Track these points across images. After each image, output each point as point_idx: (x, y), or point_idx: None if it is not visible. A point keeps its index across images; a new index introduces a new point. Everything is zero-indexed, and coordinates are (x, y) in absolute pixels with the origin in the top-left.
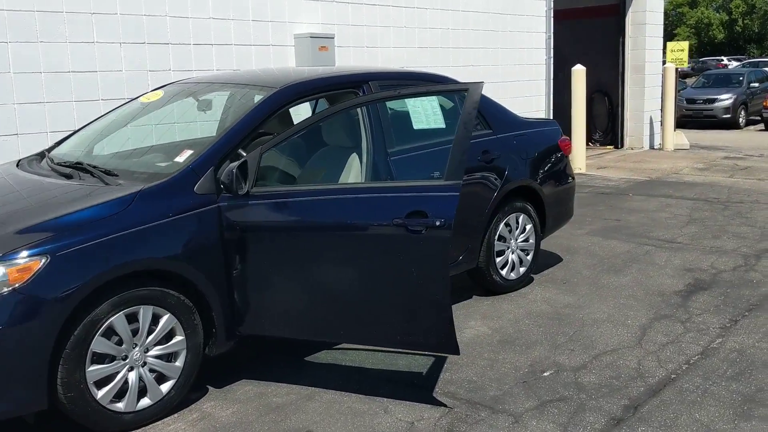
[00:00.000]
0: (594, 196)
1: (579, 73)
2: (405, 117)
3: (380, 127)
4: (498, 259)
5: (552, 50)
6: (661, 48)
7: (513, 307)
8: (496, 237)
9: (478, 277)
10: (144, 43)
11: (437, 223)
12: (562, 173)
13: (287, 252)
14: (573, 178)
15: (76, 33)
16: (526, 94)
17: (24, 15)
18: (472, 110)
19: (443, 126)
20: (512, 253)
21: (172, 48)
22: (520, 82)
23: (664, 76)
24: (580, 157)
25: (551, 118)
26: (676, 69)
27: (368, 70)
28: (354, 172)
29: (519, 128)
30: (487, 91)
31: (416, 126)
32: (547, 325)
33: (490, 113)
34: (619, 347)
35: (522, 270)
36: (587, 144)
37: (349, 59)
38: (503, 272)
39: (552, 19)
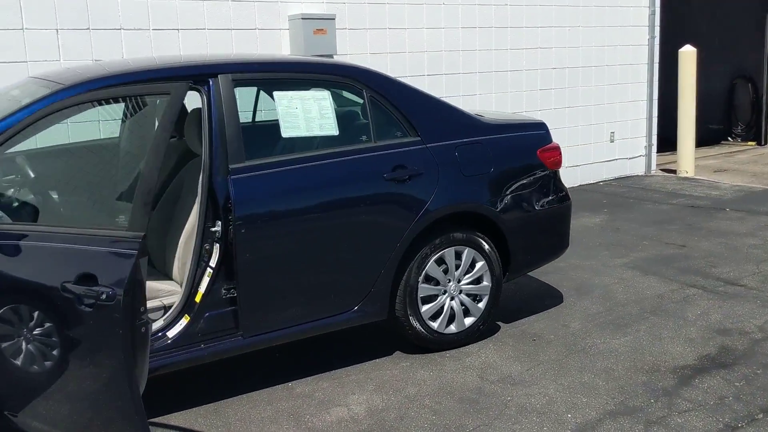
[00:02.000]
0: (677, 210)
1: (688, 55)
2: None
3: (221, 135)
4: (426, 307)
5: (657, 28)
6: None
7: (431, 375)
8: (421, 278)
9: (398, 328)
10: (88, 29)
11: (103, 296)
12: (541, 193)
13: None
14: (565, 198)
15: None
16: (617, 81)
17: None
18: (170, 118)
19: (334, 132)
20: (451, 299)
21: (125, 34)
22: (610, 67)
23: None
24: (687, 157)
25: (654, 110)
26: None
27: (219, 60)
28: None
29: (470, 133)
30: (556, 79)
31: (286, 133)
32: (452, 410)
33: (417, 113)
34: None
35: (469, 321)
36: (726, 140)
37: (363, 44)
38: (434, 324)
39: None
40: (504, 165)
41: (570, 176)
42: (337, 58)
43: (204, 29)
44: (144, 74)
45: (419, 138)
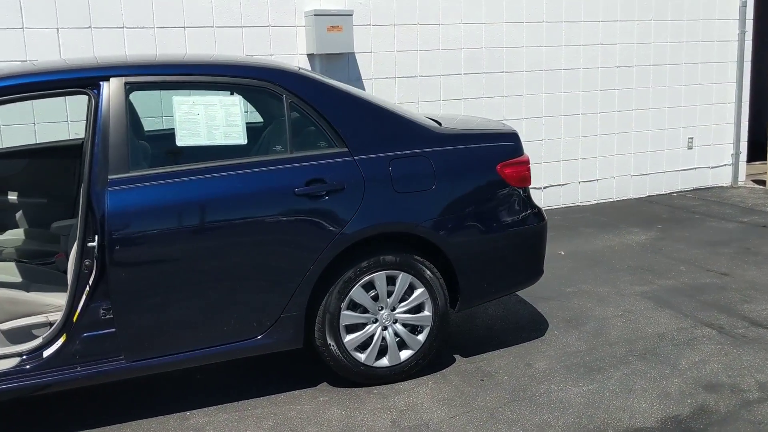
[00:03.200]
0: (742, 230)
1: None
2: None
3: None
4: (350, 337)
5: (750, 22)
6: None
7: (341, 414)
8: (345, 304)
9: (322, 358)
10: (89, 27)
11: None
12: (502, 213)
13: None
14: (534, 220)
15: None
16: (698, 82)
17: None
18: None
19: (242, 142)
20: (383, 328)
21: (128, 33)
22: (689, 66)
23: None
24: None
25: (744, 114)
26: None
27: (112, 63)
28: None
29: (412, 145)
30: (620, 78)
31: (182, 141)
32: None
33: (347, 121)
34: None
35: (405, 355)
36: None
37: (389, 41)
38: (361, 356)
39: None
40: (451, 181)
41: (637, 186)
42: (359, 57)
43: (212, 27)
44: (25, 78)
45: (346, 149)
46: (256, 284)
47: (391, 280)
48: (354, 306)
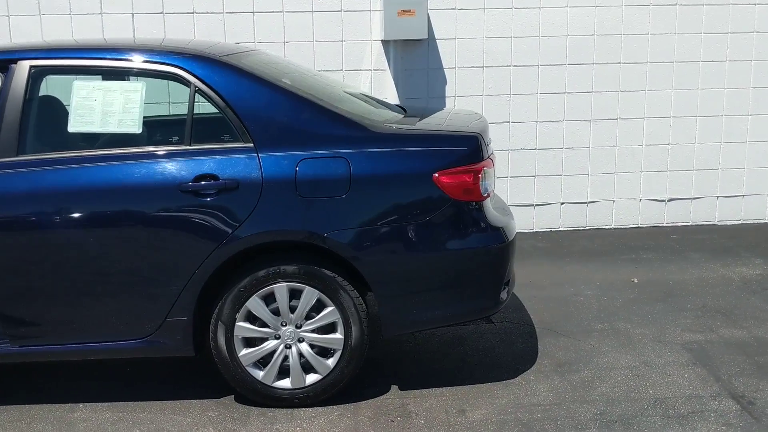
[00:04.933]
0: None
1: None
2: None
3: None
4: (245, 351)
5: None
6: None
7: None
8: (240, 315)
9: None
10: (162, 13)
11: None
12: (439, 230)
13: None
14: (487, 240)
15: (78, 3)
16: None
17: None
18: None
19: (135, 130)
20: (286, 346)
21: (197, 18)
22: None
23: None
24: None
25: None
26: None
27: (22, 47)
28: None
29: (332, 144)
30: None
31: (74, 127)
32: None
33: (257, 113)
34: None
35: (312, 379)
36: None
37: (476, 26)
38: (258, 373)
39: None
40: (371, 188)
41: None
42: (441, 43)
43: (281, 12)
44: None
45: (252, 144)
46: (134, 283)
47: (298, 294)
48: (252, 318)
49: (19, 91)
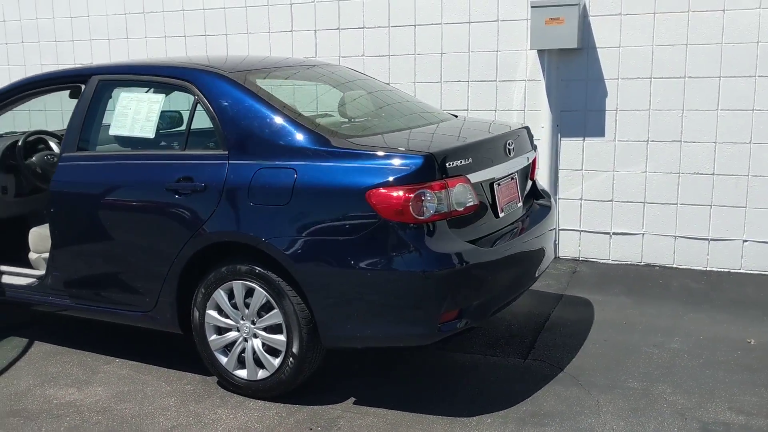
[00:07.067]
0: None
1: None
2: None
3: None
4: (213, 338)
5: None
6: None
7: (173, 403)
8: (211, 305)
9: None
10: (338, 29)
11: None
12: (369, 247)
13: None
14: (420, 264)
15: (277, 22)
16: None
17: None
18: None
19: (150, 136)
20: (245, 339)
21: (367, 33)
22: None
23: None
24: None
25: None
26: None
27: (97, 66)
28: None
29: (289, 156)
30: None
31: (113, 131)
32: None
33: (235, 125)
34: None
35: (263, 374)
36: None
37: (637, 35)
38: (223, 359)
39: None
40: (308, 200)
41: None
42: (603, 52)
43: (440, 24)
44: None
45: (226, 152)
46: (139, 264)
47: (252, 293)
48: (220, 309)
49: (87, 98)
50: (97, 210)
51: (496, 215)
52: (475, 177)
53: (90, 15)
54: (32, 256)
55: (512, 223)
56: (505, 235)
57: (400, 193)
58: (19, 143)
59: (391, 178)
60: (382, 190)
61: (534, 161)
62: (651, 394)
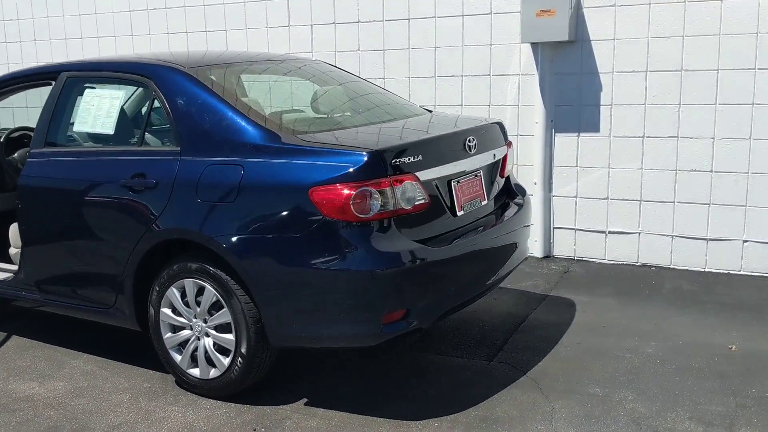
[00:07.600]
0: None
1: None
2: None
3: None
4: (168, 335)
5: None
6: None
7: (124, 400)
8: (165, 303)
9: None
10: (333, 23)
11: None
12: (306, 244)
13: None
14: (355, 264)
15: (274, 17)
16: None
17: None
18: None
19: (109, 132)
20: (198, 338)
21: (361, 26)
22: None
23: None
24: None
25: None
26: None
27: (63, 62)
28: None
29: (239, 152)
30: None
31: (77, 127)
32: None
33: (188, 121)
34: None
35: (214, 373)
36: None
37: (632, 26)
38: (177, 357)
39: None
40: (253, 197)
41: None
42: (597, 45)
43: (434, 17)
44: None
45: (179, 149)
46: (98, 261)
47: (196, 290)
48: (174, 307)
49: (55, 94)
50: (60, 206)
51: (454, 214)
52: (426, 174)
53: (97, 12)
54: (11, 251)
55: (474, 221)
56: (467, 234)
57: (343, 191)
58: (1, 140)
59: (333, 176)
60: (325, 188)
61: (505, 158)
62: (611, 400)
